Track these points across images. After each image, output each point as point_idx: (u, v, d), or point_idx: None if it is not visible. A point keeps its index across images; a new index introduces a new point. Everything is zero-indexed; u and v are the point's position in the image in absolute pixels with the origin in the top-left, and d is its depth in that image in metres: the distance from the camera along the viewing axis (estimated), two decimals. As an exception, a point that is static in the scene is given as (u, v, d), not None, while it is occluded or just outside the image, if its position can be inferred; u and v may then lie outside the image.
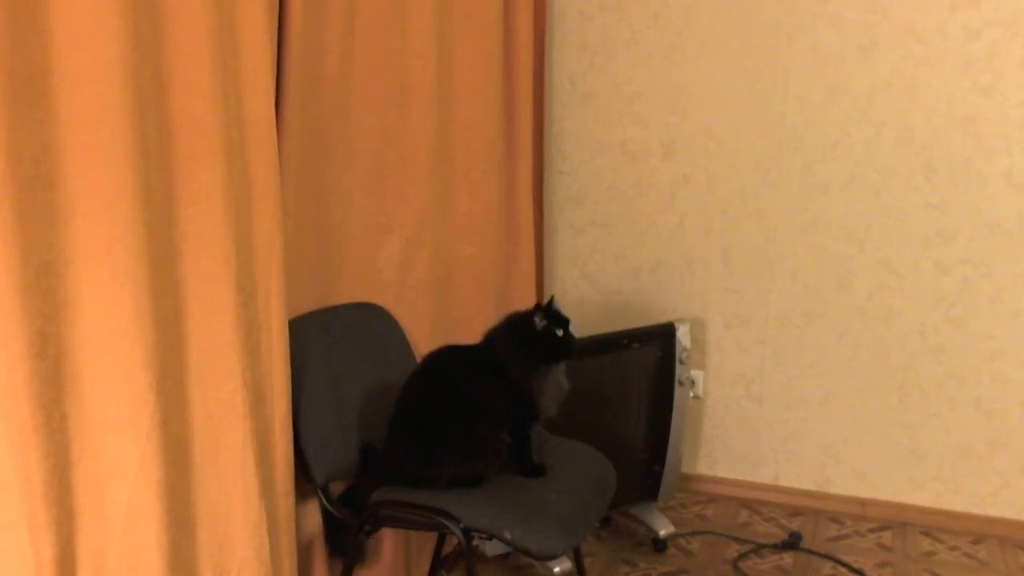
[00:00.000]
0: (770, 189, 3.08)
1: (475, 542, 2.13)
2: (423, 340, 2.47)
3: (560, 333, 2.11)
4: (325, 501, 2.12)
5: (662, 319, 3.02)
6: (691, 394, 3.07)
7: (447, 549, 2.58)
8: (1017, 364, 2.91)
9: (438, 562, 2.52)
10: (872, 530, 3.04)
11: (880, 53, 2.89)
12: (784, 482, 3.23)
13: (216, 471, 1.76)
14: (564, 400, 2.16)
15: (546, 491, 2.07)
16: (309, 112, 2.11)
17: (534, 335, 2.10)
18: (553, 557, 2.23)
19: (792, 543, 2.92)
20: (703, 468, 3.32)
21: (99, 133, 1.48)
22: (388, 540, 2.43)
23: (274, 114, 1.86)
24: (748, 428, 3.24)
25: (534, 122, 3.05)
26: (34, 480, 1.43)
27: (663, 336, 2.85)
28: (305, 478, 2.08)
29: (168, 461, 1.63)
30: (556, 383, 2.14)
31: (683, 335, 2.86)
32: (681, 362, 2.86)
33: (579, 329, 2.23)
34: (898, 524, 3.07)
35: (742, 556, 2.87)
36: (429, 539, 2.54)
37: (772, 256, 3.11)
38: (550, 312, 2.12)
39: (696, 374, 3.21)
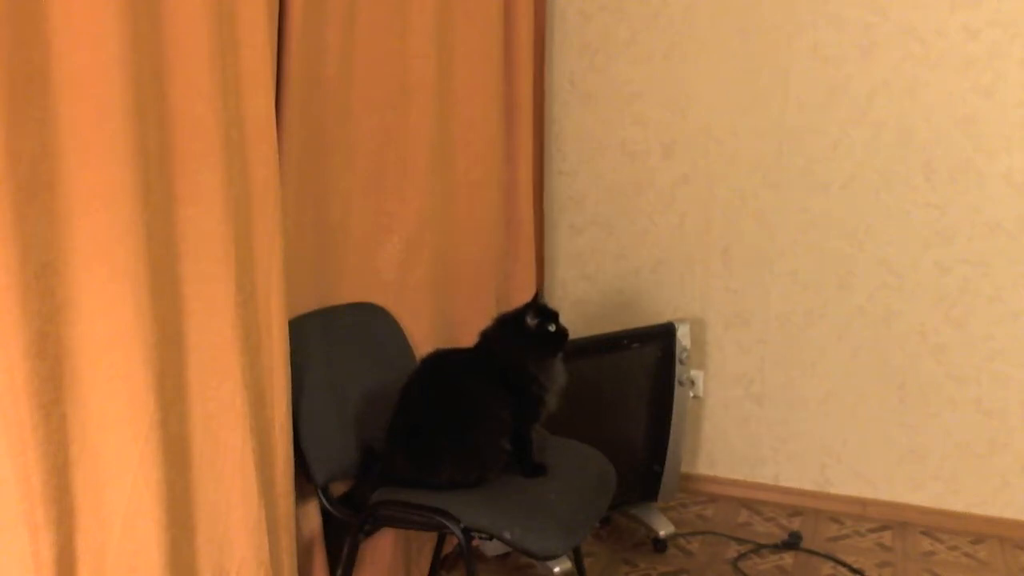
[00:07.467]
0: (770, 189, 3.07)
1: (475, 542, 2.13)
2: (423, 340, 2.47)
3: (552, 328, 2.12)
4: (325, 501, 2.12)
5: (662, 319, 3.02)
6: (691, 394, 3.07)
7: (447, 549, 2.58)
8: (1017, 364, 2.91)
9: (438, 562, 2.52)
10: (872, 530, 3.04)
11: (880, 53, 2.89)
12: (784, 482, 3.22)
13: (215, 471, 1.76)
14: (563, 393, 2.17)
15: (546, 491, 2.07)
16: (309, 112, 2.11)
17: (533, 333, 2.10)
18: (553, 557, 2.23)
19: (792, 543, 2.92)
20: (703, 468, 3.32)
21: (98, 133, 1.47)
22: (388, 540, 2.42)
23: (274, 114, 1.86)
24: (748, 428, 3.24)
25: (534, 122, 3.05)
26: (33, 480, 1.43)
27: (663, 336, 2.85)
28: (305, 478, 2.08)
29: (167, 461, 1.63)
30: (560, 376, 2.15)
31: (683, 335, 2.85)
32: (681, 362, 2.86)
33: (579, 329, 2.23)
34: (898, 524, 3.07)
35: (742, 556, 2.86)
36: (429, 539, 2.54)
37: (772, 256, 3.11)
38: (540, 308, 2.13)
39: (696, 374, 3.21)
